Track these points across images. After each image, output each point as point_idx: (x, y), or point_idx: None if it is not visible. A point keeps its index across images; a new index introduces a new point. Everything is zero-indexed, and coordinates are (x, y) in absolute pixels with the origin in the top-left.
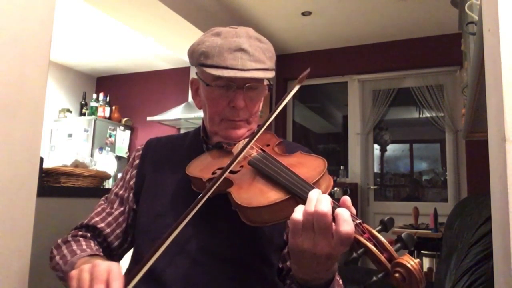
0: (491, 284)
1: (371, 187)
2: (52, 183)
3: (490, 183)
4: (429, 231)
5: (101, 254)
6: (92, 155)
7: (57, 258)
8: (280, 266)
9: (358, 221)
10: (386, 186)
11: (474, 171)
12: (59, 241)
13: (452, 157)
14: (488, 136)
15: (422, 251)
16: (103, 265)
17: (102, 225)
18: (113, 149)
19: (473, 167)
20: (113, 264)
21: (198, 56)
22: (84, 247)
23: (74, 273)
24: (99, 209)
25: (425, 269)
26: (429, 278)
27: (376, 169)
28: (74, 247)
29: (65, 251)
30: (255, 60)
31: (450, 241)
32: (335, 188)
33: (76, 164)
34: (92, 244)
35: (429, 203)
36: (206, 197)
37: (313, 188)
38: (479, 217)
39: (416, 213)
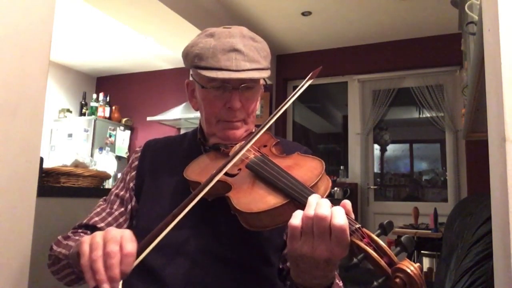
0: (491, 284)
1: (371, 187)
2: (52, 183)
3: (490, 183)
4: (429, 231)
5: None
6: (92, 155)
7: (59, 249)
8: (280, 266)
9: (357, 226)
10: (386, 186)
11: (474, 171)
12: (60, 237)
13: (452, 157)
14: (488, 136)
15: (422, 251)
16: (116, 230)
17: (102, 224)
18: (113, 149)
19: (473, 167)
20: (125, 229)
21: (192, 58)
22: None
23: (85, 238)
24: (98, 209)
25: (425, 269)
26: (429, 278)
27: (376, 169)
28: (77, 237)
29: (68, 242)
30: (249, 60)
31: (450, 241)
32: (335, 188)
33: (76, 164)
34: None
35: (429, 203)
36: (201, 194)
37: (311, 191)
38: (479, 217)
39: (416, 213)
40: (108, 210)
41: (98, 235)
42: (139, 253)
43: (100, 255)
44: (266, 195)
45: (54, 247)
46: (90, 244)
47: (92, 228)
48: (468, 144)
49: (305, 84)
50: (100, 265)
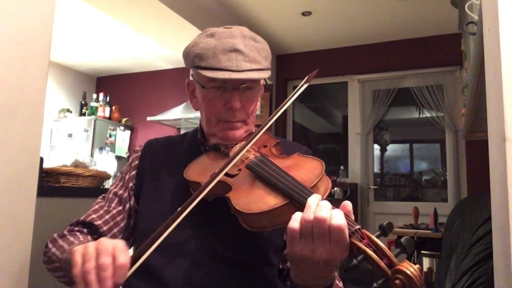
0: (491, 284)
1: (371, 187)
2: (52, 183)
3: (490, 183)
4: (429, 231)
5: None
6: (92, 155)
7: (53, 249)
8: (280, 266)
9: (357, 227)
10: (386, 186)
11: (474, 171)
12: (55, 235)
13: (452, 157)
14: (488, 136)
15: (422, 251)
16: (109, 241)
17: (99, 222)
18: (113, 149)
19: (473, 167)
20: (118, 240)
21: (192, 58)
22: (82, 239)
23: (77, 247)
24: (96, 206)
25: (425, 269)
26: (429, 278)
27: (376, 169)
28: (72, 239)
29: (63, 243)
30: (250, 60)
31: (450, 241)
32: (335, 188)
33: (76, 164)
34: (89, 238)
35: (429, 203)
36: (201, 196)
37: (311, 192)
38: (479, 217)
39: (416, 213)
40: (106, 208)
41: (91, 245)
42: (135, 260)
43: (93, 266)
44: (266, 196)
45: (50, 245)
46: (82, 255)
47: (89, 225)
48: (468, 144)
49: (302, 87)
50: (93, 277)
